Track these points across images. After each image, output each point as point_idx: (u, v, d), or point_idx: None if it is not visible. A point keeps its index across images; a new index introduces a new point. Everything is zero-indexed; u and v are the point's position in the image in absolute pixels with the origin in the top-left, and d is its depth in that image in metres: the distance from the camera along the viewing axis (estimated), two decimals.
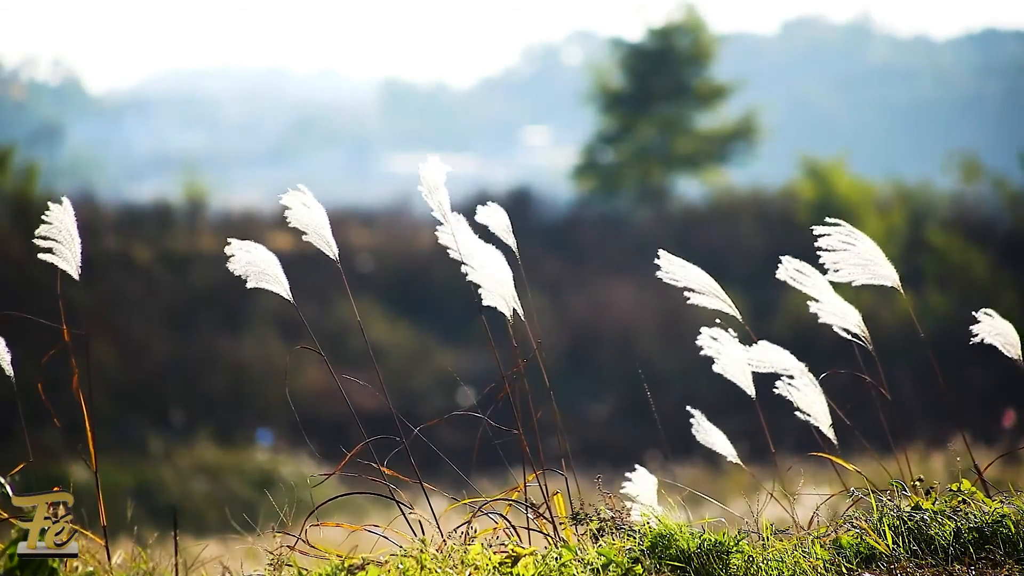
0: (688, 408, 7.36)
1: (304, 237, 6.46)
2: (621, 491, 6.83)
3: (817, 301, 7.01)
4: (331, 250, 6.50)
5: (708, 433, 7.14)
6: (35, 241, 6.44)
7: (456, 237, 6.55)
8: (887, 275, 6.97)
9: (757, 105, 43.10)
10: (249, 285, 6.34)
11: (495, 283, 6.53)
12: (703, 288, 6.99)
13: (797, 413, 7.01)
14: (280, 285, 6.38)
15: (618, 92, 42.10)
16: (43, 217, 6.45)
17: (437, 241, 6.57)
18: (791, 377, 7.00)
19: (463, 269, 6.54)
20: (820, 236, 6.93)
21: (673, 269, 6.94)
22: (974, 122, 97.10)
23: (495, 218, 6.69)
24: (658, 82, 41.95)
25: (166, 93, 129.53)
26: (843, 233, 6.95)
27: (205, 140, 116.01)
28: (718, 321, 7.02)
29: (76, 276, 6.43)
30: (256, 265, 6.35)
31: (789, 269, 7.03)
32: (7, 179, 35.10)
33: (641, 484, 6.87)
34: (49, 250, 6.45)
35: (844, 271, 6.96)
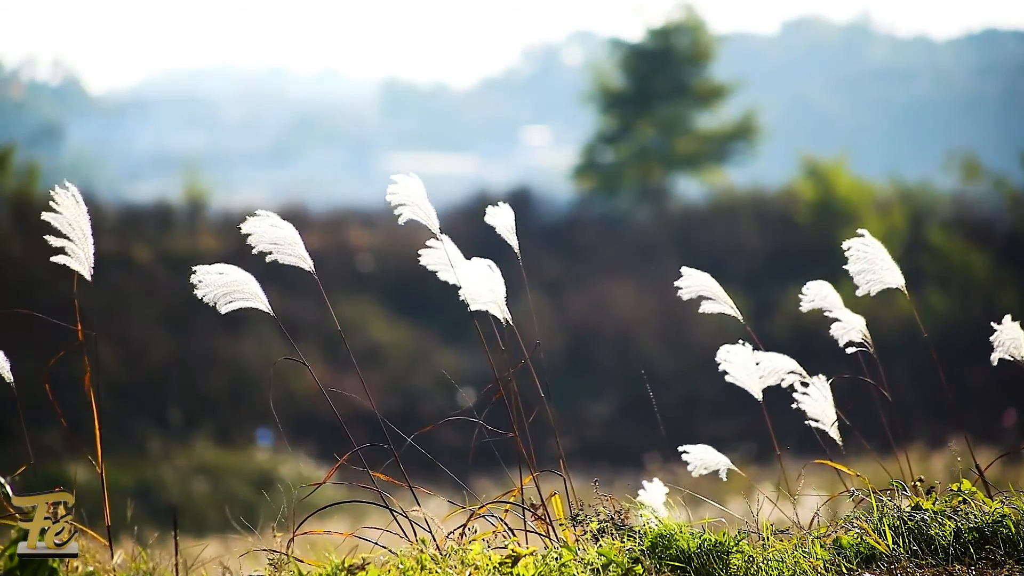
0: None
1: (268, 258, 6.36)
2: (636, 499, 6.82)
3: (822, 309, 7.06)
4: (306, 264, 6.39)
5: (702, 458, 7.11)
6: (47, 238, 6.32)
7: (445, 253, 6.56)
8: (895, 279, 7.07)
9: (757, 105, 43.07)
10: (223, 310, 6.23)
11: (487, 293, 6.53)
12: (713, 294, 7.06)
13: (806, 419, 7.02)
14: (259, 301, 6.28)
15: (618, 92, 42.08)
16: (51, 204, 6.30)
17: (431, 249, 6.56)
18: (804, 385, 7.02)
19: (452, 281, 6.55)
20: (847, 250, 7.04)
21: (690, 282, 7.04)
22: (974, 122, 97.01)
23: (502, 219, 6.70)
24: (658, 82, 41.93)
25: (166, 93, 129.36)
26: (863, 245, 7.06)
27: (205, 140, 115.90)
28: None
29: (88, 276, 6.36)
30: (228, 286, 6.24)
31: (813, 294, 7.10)
32: (8, 179, 35.06)
33: (654, 494, 6.87)
34: (61, 250, 6.34)
35: (865, 284, 7.07)
